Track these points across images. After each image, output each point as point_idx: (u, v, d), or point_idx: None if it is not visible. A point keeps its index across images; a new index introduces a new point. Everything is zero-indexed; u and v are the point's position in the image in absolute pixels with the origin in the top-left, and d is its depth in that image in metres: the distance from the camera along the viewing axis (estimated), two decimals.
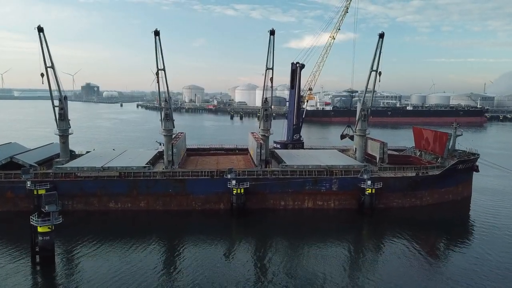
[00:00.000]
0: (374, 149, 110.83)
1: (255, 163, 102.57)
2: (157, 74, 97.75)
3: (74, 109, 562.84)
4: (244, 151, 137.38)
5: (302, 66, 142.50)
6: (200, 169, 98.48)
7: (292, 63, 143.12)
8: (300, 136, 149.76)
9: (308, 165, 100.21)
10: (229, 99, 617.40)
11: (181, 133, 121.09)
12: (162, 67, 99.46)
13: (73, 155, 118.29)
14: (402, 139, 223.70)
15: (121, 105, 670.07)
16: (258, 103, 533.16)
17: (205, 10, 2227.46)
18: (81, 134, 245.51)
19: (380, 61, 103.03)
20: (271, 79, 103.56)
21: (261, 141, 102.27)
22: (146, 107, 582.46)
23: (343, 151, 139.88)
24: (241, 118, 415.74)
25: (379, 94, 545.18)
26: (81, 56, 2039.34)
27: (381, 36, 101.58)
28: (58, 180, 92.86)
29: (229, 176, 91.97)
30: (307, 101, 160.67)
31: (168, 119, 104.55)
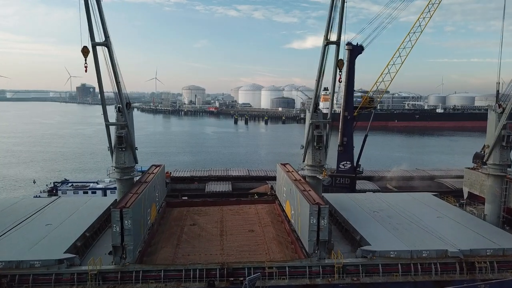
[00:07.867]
0: None
1: (306, 248, 47.43)
2: (84, 51, 44.19)
3: (64, 112, 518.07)
4: (262, 180, 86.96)
5: (360, 48, 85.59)
6: (184, 266, 44.14)
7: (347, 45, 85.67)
8: (358, 166, 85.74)
9: (421, 250, 46.14)
10: (232, 101, 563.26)
11: (157, 167, 65.64)
12: (104, 40, 46.01)
13: None
14: (439, 150, 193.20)
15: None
16: (264, 104, 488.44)
17: (207, 11, 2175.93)
18: (45, 147, 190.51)
19: None
20: (340, 63, 47.22)
21: (318, 200, 47.01)
22: (142, 110, 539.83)
23: (431, 180, 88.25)
24: (246, 122, 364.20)
25: (396, 95, 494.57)
26: (81, 57, 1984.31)
27: None
28: None
29: None
30: (363, 105, 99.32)
31: (122, 148, 51.37)
